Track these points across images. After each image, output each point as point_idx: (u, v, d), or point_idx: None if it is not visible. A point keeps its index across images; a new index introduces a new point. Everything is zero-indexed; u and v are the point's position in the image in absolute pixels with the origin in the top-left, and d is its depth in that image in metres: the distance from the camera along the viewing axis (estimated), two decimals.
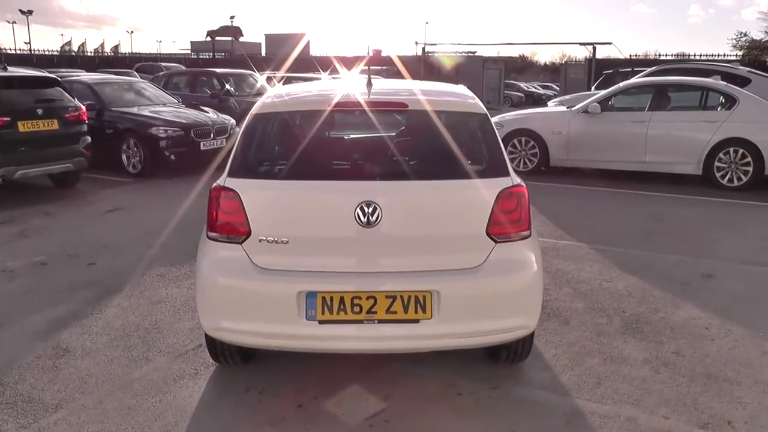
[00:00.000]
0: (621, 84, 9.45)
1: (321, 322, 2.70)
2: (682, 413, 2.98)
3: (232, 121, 9.74)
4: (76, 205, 7.30)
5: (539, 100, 34.42)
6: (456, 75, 28.63)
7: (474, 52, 29.92)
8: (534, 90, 37.09)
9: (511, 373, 3.34)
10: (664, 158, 8.39)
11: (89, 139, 7.76)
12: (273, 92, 3.37)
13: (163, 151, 8.47)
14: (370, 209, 2.70)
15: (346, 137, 3.31)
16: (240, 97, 11.58)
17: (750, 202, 7.59)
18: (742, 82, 9.63)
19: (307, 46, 40.96)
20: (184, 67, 21.13)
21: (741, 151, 7.94)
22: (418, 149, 3.17)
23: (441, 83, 3.83)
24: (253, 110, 3.08)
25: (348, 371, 3.28)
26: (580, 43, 28.64)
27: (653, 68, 11.17)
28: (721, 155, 8.05)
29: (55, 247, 5.50)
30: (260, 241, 2.77)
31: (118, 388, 3.16)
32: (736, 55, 30.52)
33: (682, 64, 11.94)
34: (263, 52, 44.76)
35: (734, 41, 33.35)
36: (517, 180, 2.96)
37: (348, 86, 3.29)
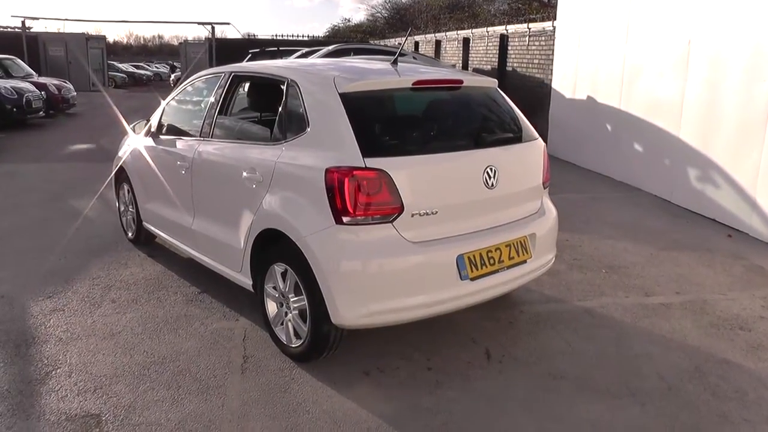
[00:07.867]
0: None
1: (472, 279, 2.94)
2: (684, 294, 4.17)
3: None
4: None
5: (141, 81, 34.98)
6: (66, 55, 25.24)
7: (30, 28, 26.04)
8: (135, 71, 36.93)
9: (554, 295, 4.03)
10: None
11: None
12: (327, 69, 3.22)
13: None
14: (493, 172, 3.05)
15: (431, 111, 3.35)
16: None
17: None
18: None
19: None
20: None
21: None
22: (489, 119, 3.46)
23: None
24: (341, 90, 2.92)
25: (418, 332, 3.44)
26: (199, 23, 29.02)
27: (334, 46, 12.09)
28: None
29: None
30: (413, 215, 2.80)
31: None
32: (327, 37, 36.01)
33: (358, 45, 13.41)
34: None
35: (340, 25, 41.86)
36: None
37: (381, 65, 3.41)
